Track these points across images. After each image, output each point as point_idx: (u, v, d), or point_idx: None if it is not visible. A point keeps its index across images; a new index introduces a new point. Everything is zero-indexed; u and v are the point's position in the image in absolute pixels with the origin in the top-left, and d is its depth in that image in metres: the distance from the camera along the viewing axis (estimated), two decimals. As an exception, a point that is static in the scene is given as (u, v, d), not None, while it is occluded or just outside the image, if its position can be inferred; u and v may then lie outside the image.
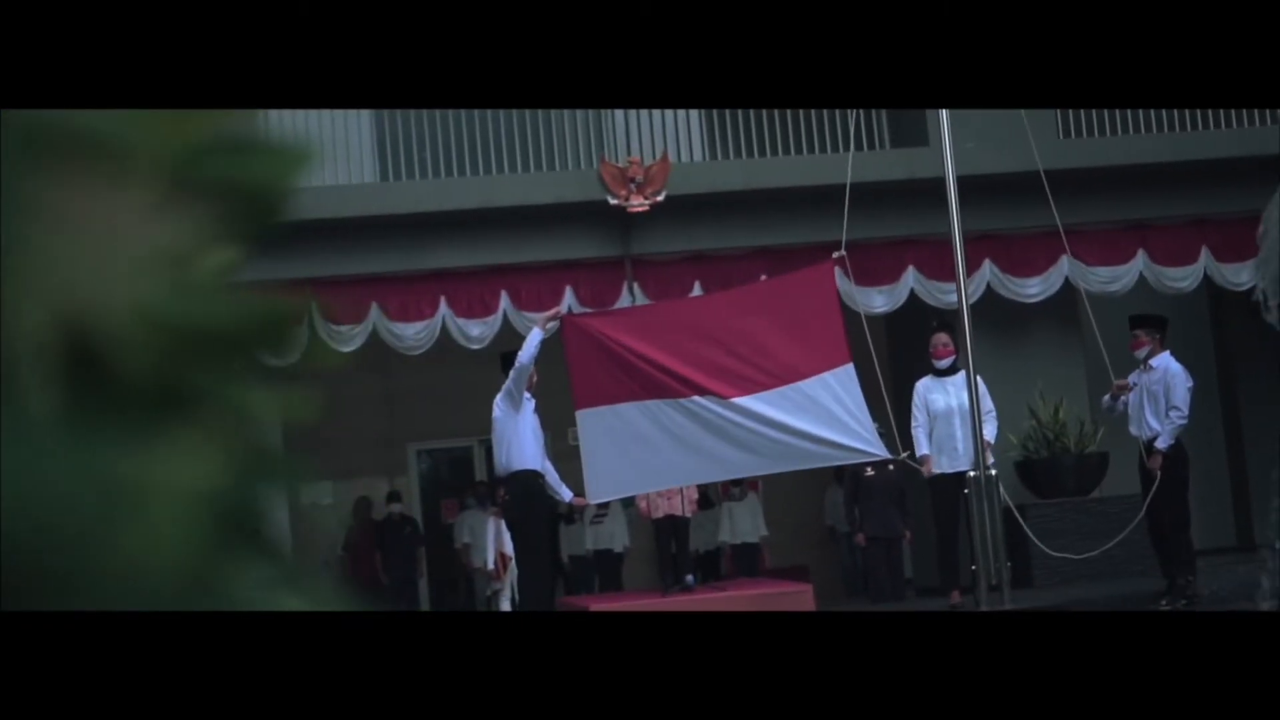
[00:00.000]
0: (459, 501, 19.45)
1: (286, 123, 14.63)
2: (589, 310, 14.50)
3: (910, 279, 15.86)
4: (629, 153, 15.53)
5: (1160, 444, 12.05)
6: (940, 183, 12.15)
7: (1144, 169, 15.80)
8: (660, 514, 13.43)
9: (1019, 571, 13.47)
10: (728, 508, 17.93)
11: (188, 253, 0.68)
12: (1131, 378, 12.35)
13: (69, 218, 0.66)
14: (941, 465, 12.71)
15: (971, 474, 11.95)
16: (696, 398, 11.74)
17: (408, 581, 18.87)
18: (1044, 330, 16.37)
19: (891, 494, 15.56)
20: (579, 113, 15.90)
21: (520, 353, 11.60)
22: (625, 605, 12.67)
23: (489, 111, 15.55)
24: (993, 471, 11.92)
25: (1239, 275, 15.75)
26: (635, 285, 15.56)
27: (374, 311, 15.27)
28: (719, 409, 11.71)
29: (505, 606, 14.55)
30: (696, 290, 15.24)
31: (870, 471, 15.21)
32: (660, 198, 15.19)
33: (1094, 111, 16.07)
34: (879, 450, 11.91)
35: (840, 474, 16.53)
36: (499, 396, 11.78)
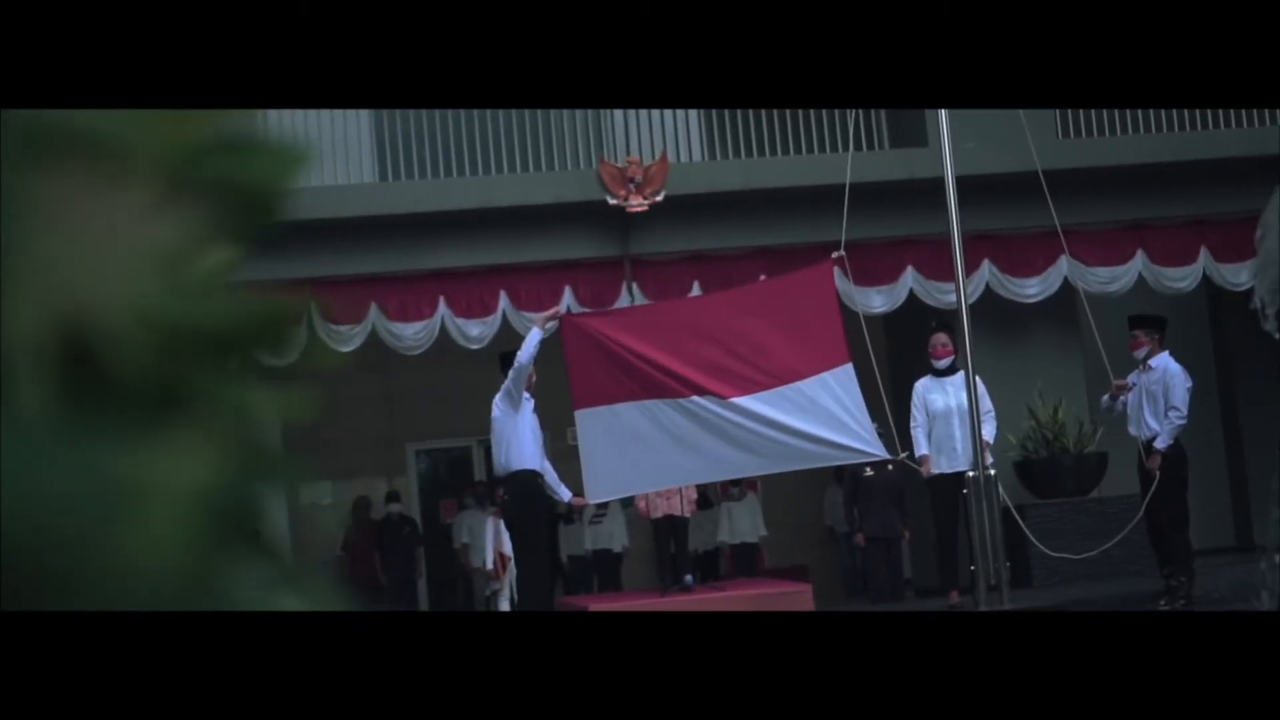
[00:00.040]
0: (458, 501, 19.45)
1: (285, 123, 14.63)
2: (588, 310, 14.50)
3: (909, 279, 15.86)
4: (628, 153, 15.53)
5: (1159, 444, 12.05)
6: (939, 183, 12.15)
7: (1143, 169, 15.80)
8: (659, 514, 13.43)
9: (1018, 572, 13.47)
10: (727, 508, 17.93)
11: (185, 252, 0.68)
12: (1130, 378, 12.35)
13: (67, 217, 0.66)
14: (940, 465, 12.71)
15: (970, 474, 11.95)
16: (696, 398, 11.74)
17: (406, 581, 18.87)
18: (1043, 330, 16.37)
19: (891, 494, 15.56)
20: (578, 113, 15.91)
21: (519, 353, 11.60)
22: (624, 605, 12.67)
23: (488, 111, 15.55)
24: (992, 471, 11.92)
25: (1238, 275, 15.75)
26: (634, 285, 15.56)
27: (373, 311, 15.27)
28: (718, 409, 11.71)
29: (504, 606, 14.55)
30: (696, 290, 15.24)
31: (869, 472, 15.21)
32: (659, 198, 15.19)
33: (1093, 112, 16.07)
34: (878, 450, 11.90)
35: (839, 474, 16.53)
36: (498, 396, 11.79)
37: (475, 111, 15.53)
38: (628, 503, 15.55)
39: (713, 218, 15.47)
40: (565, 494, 12.38)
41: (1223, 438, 18.73)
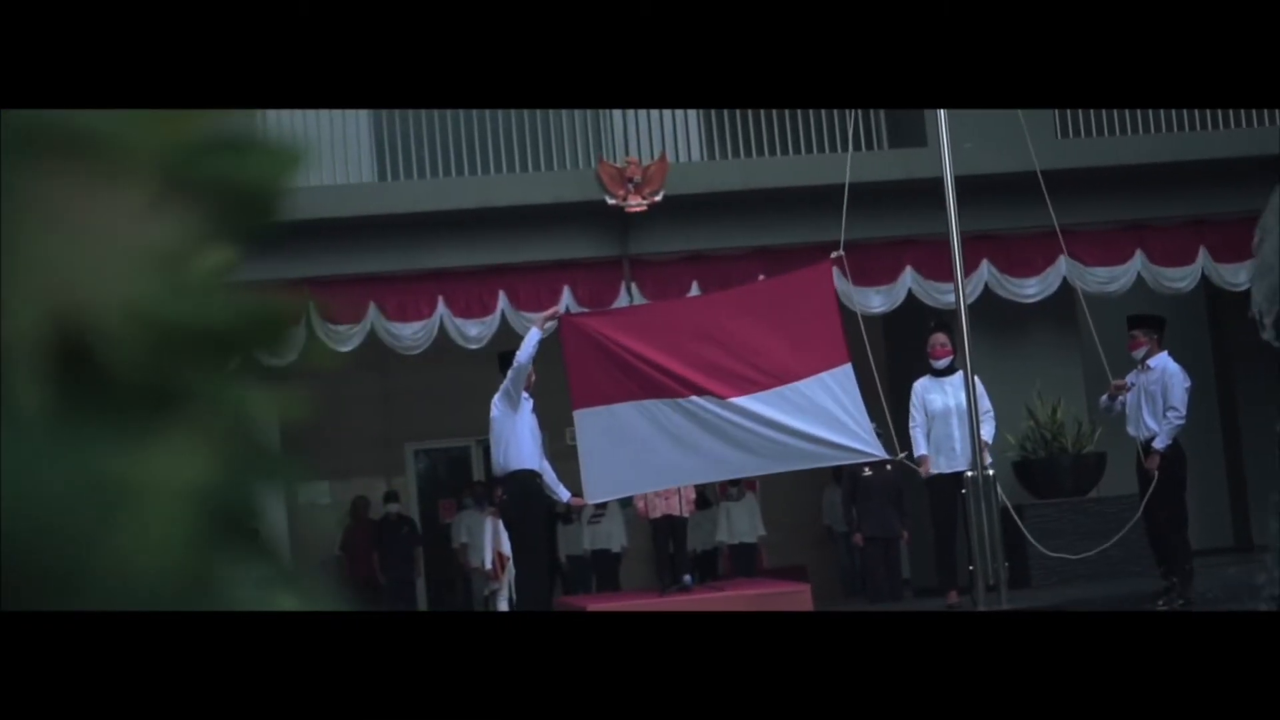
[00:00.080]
0: (457, 501, 19.45)
1: (284, 122, 14.63)
2: (587, 310, 14.50)
3: (908, 279, 15.86)
4: (627, 153, 15.53)
5: (1158, 444, 12.05)
6: (938, 183, 12.15)
7: (1142, 169, 15.81)
8: (658, 514, 13.43)
9: (1016, 571, 13.47)
10: (725, 508, 17.93)
11: (183, 252, 0.68)
12: (1129, 378, 12.35)
13: (64, 216, 0.66)
14: (939, 465, 12.71)
15: (969, 474, 11.96)
16: (694, 398, 11.74)
17: (405, 581, 18.87)
18: (1042, 330, 16.37)
19: (889, 494, 15.56)
20: (577, 113, 15.91)
21: (518, 352, 11.60)
22: (623, 605, 12.67)
23: (487, 111, 15.55)
24: (990, 471, 11.92)
25: (1237, 275, 15.75)
26: (633, 285, 15.56)
27: (372, 311, 15.27)
28: (717, 409, 11.71)
29: (503, 606, 14.56)
30: (694, 290, 15.24)
31: (868, 472, 15.21)
32: (658, 198, 15.19)
33: (1092, 112, 16.07)
34: (877, 450, 11.90)
35: (838, 474, 16.53)
36: (497, 396, 11.78)
37: (474, 111, 15.53)
38: (626, 503, 15.55)
39: (711, 218, 15.47)
40: (564, 494, 12.38)
41: (1221, 438, 18.73)
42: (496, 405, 11.77)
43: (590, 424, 11.92)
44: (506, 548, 13.39)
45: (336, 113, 15.24)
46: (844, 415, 11.63)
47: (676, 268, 15.68)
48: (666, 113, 15.84)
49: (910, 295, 15.86)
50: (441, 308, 15.41)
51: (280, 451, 0.72)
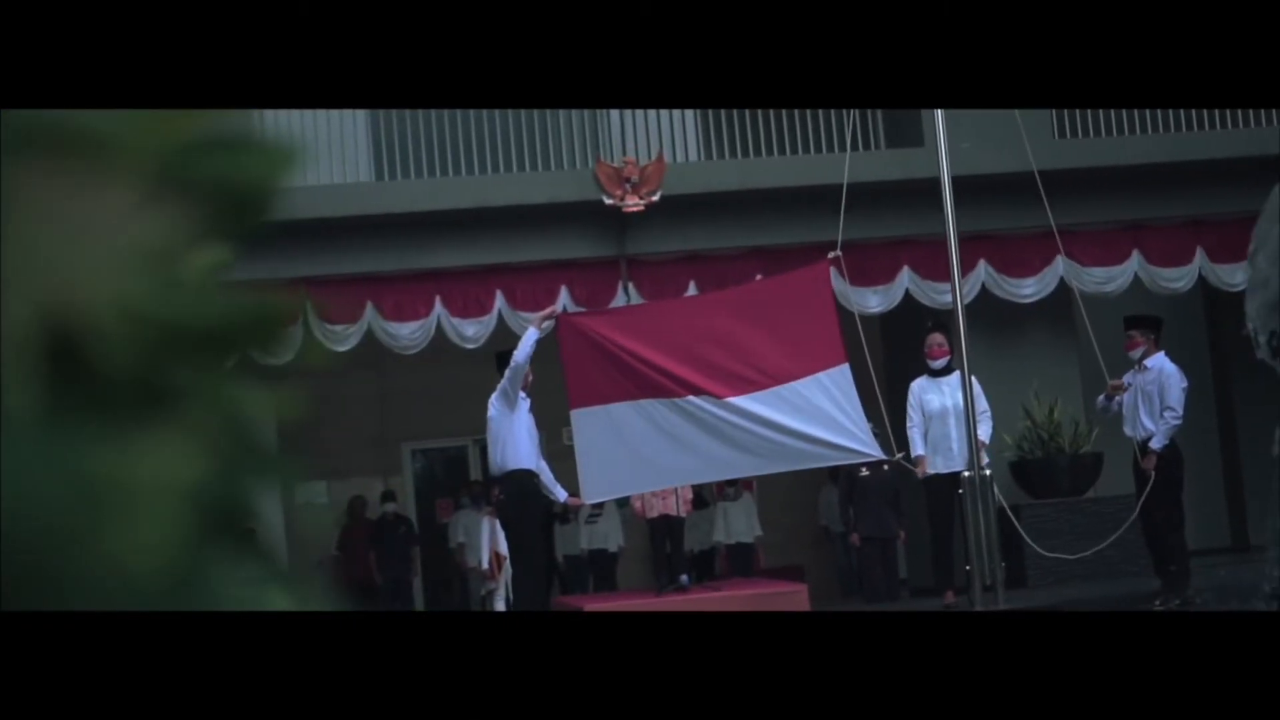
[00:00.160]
0: (454, 501, 19.44)
1: (282, 122, 14.62)
2: (584, 310, 14.50)
3: (905, 279, 15.86)
4: (624, 153, 15.52)
5: (1155, 444, 12.05)
6: (935, 183, 12.16)
7: (1139, 169, 15.81)
8: (655, 514, 13.43)
9: (1013, 572, 13.48)
10: (722, 507, 17.93)
11: (173, 250, 0.68)
12: (1126, 378, 12.35)
13: (56, 214, 0.65)
14: (936, 465, 12.71)
15: (966, 474, 11.96)
16: (692, 397, 11.74)
17: (402, 581, 18.86)
18: (1039, 330, 16.38)
19: (886, 494, 15.56)
20: (574, 113, 15.90)
21: (515, 352, 11.59)
22: (620, 605, 12.67)
23: (484, 111, 15.55)
24: (987, 472, 11.92)
25: (1234, 276, 15.75)
26: (630, 285, 15.56)
27: (369, 311, 15.27)
28: (714, 409, 11.71)
29: (500, 606, 14.56)
30: (692, 290, 15.24)
31: (865, 472, 15.21)
32: (655, 198, 15.19)
33: (1089, 112, 16.07)
34: (874, 451, 11.91)
35: (835, 474, 16.53)
36: (494, 396, 11.78)
37: (472, 111, 15.53)
38: (623, 502, 15.54)
39: (709, 218, 15.47)
40: (561, 494, 12.38)
41: (1218, 438, 18.74)
42: (494, 405, 11.77)
43: (587, 424, 11.92)
44: (503, 547, 13.39)
45: (334, 112, 15.23)
46: (841, 415, 11.64)
47: (674, 267, 15.68)
48: (664, 113, 15.83)
49: (907, 295, 15.86)
50: (439, 307, 15.40)
51: (276, 451, 0.72)
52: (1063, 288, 15.71)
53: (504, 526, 12.59)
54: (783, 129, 15.97)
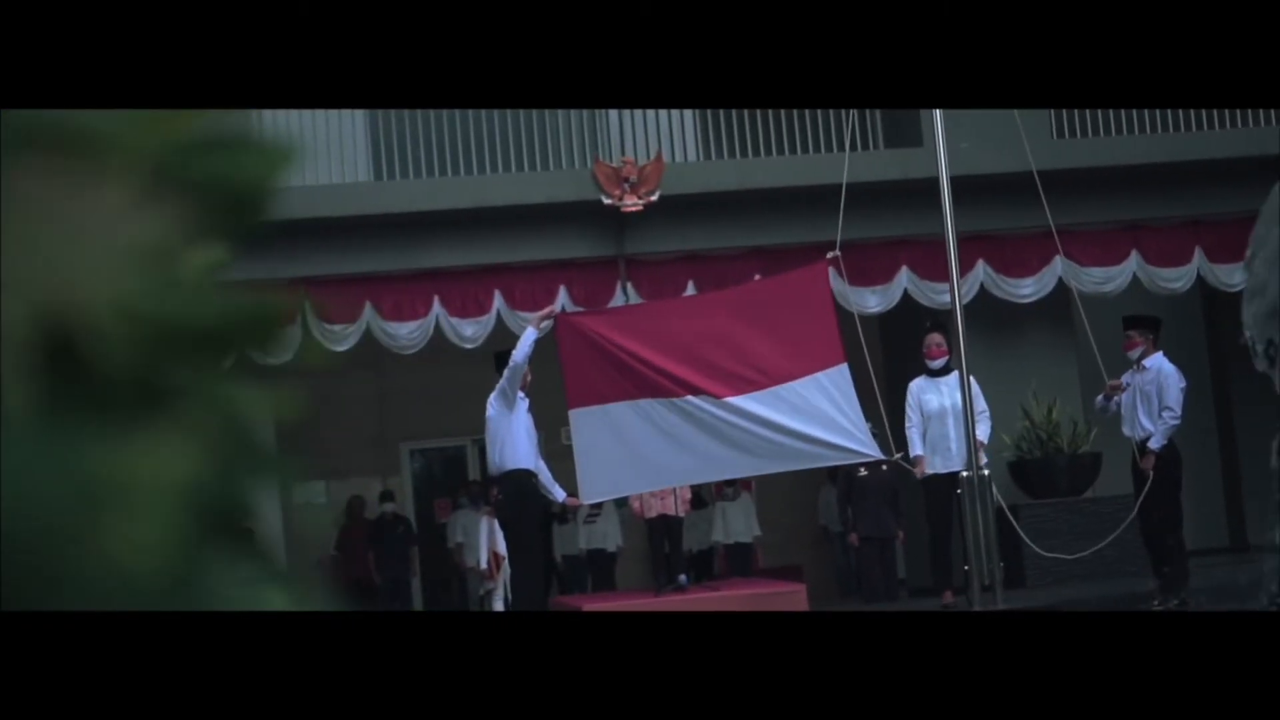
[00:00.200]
0: (452, 501, 19.44)
1: (281, 122, 14.62)
2: (583, 310, 14.49)
3: (904, 279, 15.86)
4: (623, 152, 15.52)
5: (1153, 444, 12.05)
6: (934, 183, 12.16)
7: (1138, 170, 15.81)
8: (653, 514, 13.43)
9: (1011, 572, 13.48)
10: (721, 507, 17.93)
11: (171, 249, 0.68)
12: (1125, 378, 12.35)
13: (53, 213, 0.65)
14: (935, 465, 12.72)
15: (965, 474, 11.96)
16: (690, 397, 11.75)
17: (401, 581, 18.86)
18: (1037, 331, 16.38)
19: (885, 494, 15.57)
20: (573, 113, 15.90)
21: (514, 352, 11.59)
22: (618, 605, 12.68)
23: (483, 111, 15.55)
24: (986, 472, 11.93)
25: (1232, 276, 15.75)
26: (629, 285, 15.56)
27: (368, 310, 15.27)
28: (713, 408, 11.71)
29: (498, 606, 14.56)
30: (690, 290, 15.24)
31: (864, 471, 15.22)
32: (654, 197, 15.19)
33: (1088, 112, 16.08)
34: (872, 451, 11.91)
35: (834, 474, 16.53)
36: (493, 396, 11.78)
37: (470, 111, 15.53)
38: (622, 502, 15.54)
39: (707, 217, 15.47)
40: (559, 494, 12.38)
41: (1217, 438, 18.74)
42: (492, 405, 11.76)
43: (586, 423, 11.92)
44: (502, 547, 13.39)
45: (333, 112, 15.23)
46: (840, 415, 11.64)
47: (672, 267, 15.68)
48: (662, 112, 15.84)
49: (906, 295, 15.87)
50: (437, 307, 15.40)
51: (275, 451, 0.72)
52: (1061, 288, 15.71)
53: (502, 526, 12.59)
54: (781, 129, 15.97)
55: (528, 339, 11.61)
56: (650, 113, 15.80)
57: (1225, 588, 11.91)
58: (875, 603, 14.96)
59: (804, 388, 11.65)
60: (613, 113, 15.85)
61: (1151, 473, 12.00)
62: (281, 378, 0.73)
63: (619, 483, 12.41)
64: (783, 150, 15.91)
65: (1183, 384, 12.23)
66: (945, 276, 12.74)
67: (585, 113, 15.97)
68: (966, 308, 12.80)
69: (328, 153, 14.94)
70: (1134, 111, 16.09)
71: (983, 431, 12.30)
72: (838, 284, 13.01)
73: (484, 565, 15.25)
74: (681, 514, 13.68)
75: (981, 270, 15.88)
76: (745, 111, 16.02)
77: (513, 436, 11.72)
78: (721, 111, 16.19)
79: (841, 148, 13.43)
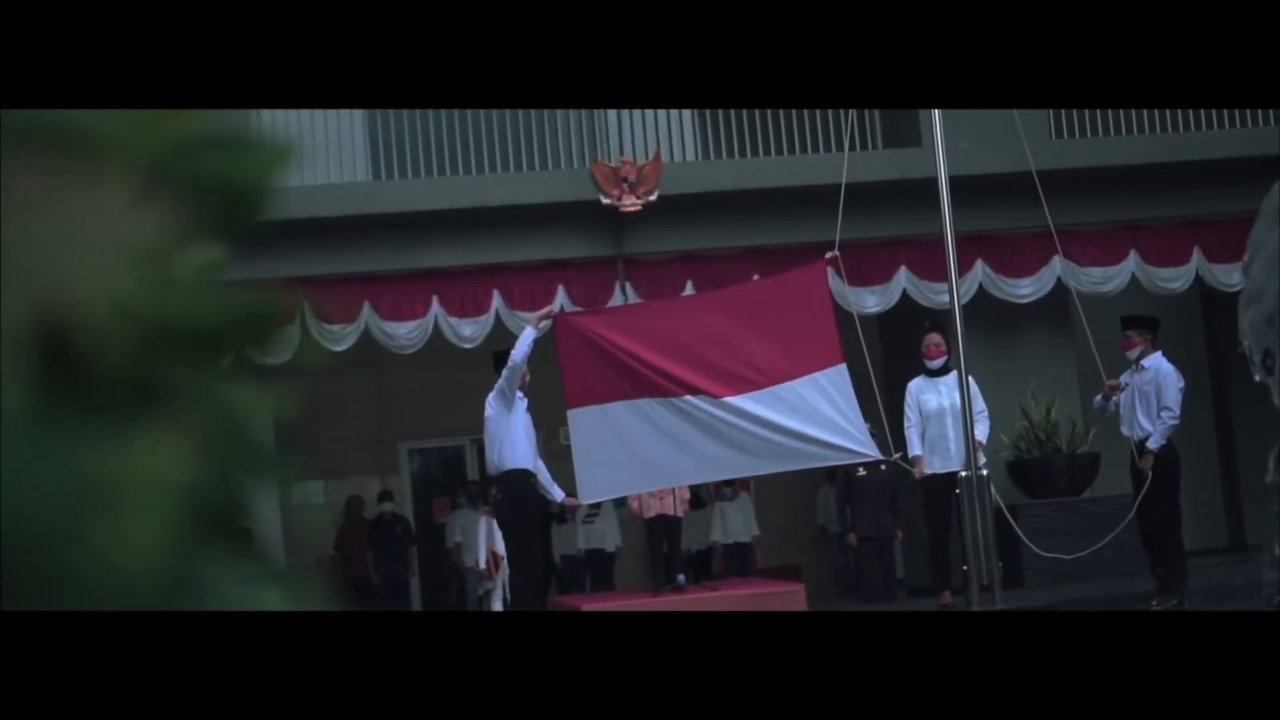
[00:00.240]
0: (451, 501, 19.44)
1: (280, 122, 14.62)
2: (581, 309, 14.49)
3: (902, 279, 15.86)
4: (621, 152, 15.52)
5: (1152, 444, 12.06)
6: (933, 183, 12.16)
7: (1137, 170, 15.81)
8: (652, 513, 13.43)
9: (1010, 572, 13.48)
10: (720, 507, 17.93)
11: (169, 249, 0.68)
12: (1123, 378, 12.35)
13: (51, 213, 0.65)
14: (934, 465, 12.72)
15: (963, 474, 11.96)
16: (689, 397, 11.74)
17: (399, 581, 18.86)
18: (1036, 331, 16.38)
19: (883, 494, 15.57)
20: (572, 112, 15.90)
21: (513, 352, 11.59)
22: (617, 605, 12.67)
23: (482, 111, 15.54)
24: (984, 471, 11.93)
25: (1231, 276, 15.75)
26: (628, 285, 15.56)
27: (366, 310, 15.26)
28: (711, 408, 11.71)
29: (497, 606, 14.55)
30: (689, 290, 15.24)
31: (862, 471, 15.22)
32: (653, 197, 15.19)
33: (1087, 112, 16.08)
34: (871, 451, 11.91)
35: (832, 474, 16.53)
36: (491, 395, 11.78)
37: (469, 111, 15.53)
38: (620, 502, 15.54)
39: (706, 217, 15.47)
40: (558, 494, 12.38)
41: (1215, 438, 18.74)
42: (491, 405, 11.76)
43: (585, 423, 11.92)
44: (501, 547, 13.39)
45: (331, 112, 15.23)
46: (838, 415, 11.64)
47: (671, 267, 15.68)
48: (661, 112, 15.83)
49: (905, 295, 15.87)
50: (436, 307, 15.40)
51: (273, 450, 0.72)
52: (1060, 288, 15.71)
53: (501, 526, 12.58)
54: (780, 129, 15.97)
55: (526, 339, 11.61)
56: (649, 113, 15.79)
57: (1223, 588, 11.91)
58: (874, 603, 14.96)
59: (803, 388, 11.65)
60: (611, 113, 15.85)
61: (1150, 473, 12.00)
62: (280, 377, 0.73)
63: (617, 483, 12.41)
64: (781, 150, 15.91)
65: (1181, 384, 12.23)
66: (944, 276, 12.74)
67: (584, 113, 15.97)
68: (965, 308, 12.80)
69: (326, 152, 14.94)
70: (1133, 111, 16.09)
71: (981, 431, 12.30)
72: (836, 284, 13.01)
73: (483, 565, 15.24)
74: (680, 514, 13.68)
75: (980, 270, 15.89)
76: (744, 111, 16.03)
77: (511, 436, 11.72)
78: (720, 111, 16.19)
79: (840, 148, 13.43)
